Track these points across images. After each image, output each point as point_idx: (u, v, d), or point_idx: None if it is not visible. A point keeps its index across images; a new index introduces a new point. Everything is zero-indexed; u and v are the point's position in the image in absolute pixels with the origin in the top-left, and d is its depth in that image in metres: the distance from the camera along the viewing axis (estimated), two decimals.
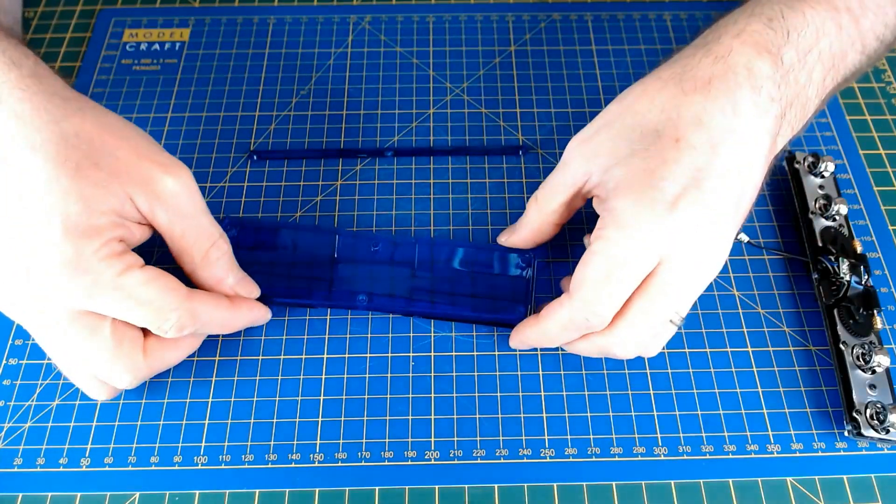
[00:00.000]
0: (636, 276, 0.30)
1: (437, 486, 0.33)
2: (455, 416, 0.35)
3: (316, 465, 0.34)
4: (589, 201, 0.34)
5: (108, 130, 0.30)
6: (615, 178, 0.31)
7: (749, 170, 0.31)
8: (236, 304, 0.34)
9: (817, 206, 0.39)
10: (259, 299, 0.36)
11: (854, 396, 0.34)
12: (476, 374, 0.36)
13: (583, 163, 0.33)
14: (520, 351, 0.37)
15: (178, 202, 0.31)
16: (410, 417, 0.35)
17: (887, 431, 0.33)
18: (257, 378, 0.36)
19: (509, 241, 0.38)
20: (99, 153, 0.29)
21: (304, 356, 0.37)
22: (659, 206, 0.29)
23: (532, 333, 0.34)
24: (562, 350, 0.36)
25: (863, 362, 0.34)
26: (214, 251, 0.33)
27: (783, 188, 0.42)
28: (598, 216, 0.32)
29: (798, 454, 0.34)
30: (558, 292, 0.38)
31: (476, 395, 0.36)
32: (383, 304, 0.37)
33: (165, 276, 0.30)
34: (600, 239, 0.30)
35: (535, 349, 0.36)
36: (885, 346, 0.35)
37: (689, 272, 0.30)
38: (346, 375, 0.36)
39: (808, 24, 0.32)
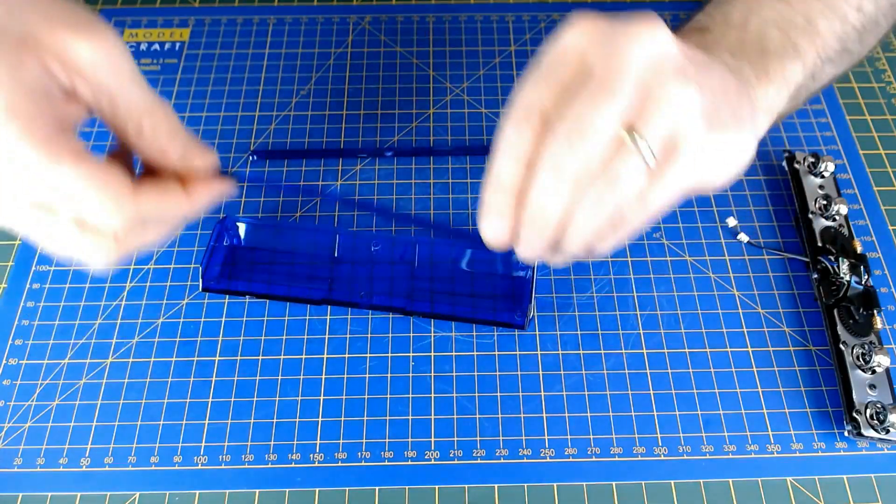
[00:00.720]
0: (556, 73, 0.26)
1: (437, 486, 0.33)
2: (455, 416, 0.35)
3: (316, 465, 0.34)
4: None
5: None
6: None
7: (745, 89, 0.29)
8: (190, 187, 0.29)
9: (817, 206, 0.39)
10: (260, 297, 0.36)
11: (854, 396, 0.34)
12: (476, 374, 0.36)
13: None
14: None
15: (98, 71, 0.26)
16: (410, 417, 0.35)
17: (887, 431, 0.33)
18: (257, 378, 0.36)
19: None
20: (3, 19, 0.25)
21: (304, 356, 0.37)
22: (577, 24, 0.26)
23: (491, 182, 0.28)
24: (562, 349, 0.36)
25: (863, 362, 0.34)
26: (147, 120, 0.28)
27: (783, 188, 0.42)
28: None
29: (798, 454, 0.34)
30: (559, 292, 0.38)
31: (476, 395, 0.36)
32: (383, 302, 0.37)
33: (106, 168, 0.26)
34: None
35: (536, 350, 0.36)
36: (885, 346, 0.35)
37: (608, 52, 0.25)
38: (346, 375, 0.36)
39: (736, 7, 0.33)
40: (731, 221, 0.40)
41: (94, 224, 0.27)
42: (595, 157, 0.25)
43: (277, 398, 0.35)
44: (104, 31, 0.27)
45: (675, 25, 0.36)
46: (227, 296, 0.38)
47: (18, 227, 0.27)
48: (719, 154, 0.26)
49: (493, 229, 0.29)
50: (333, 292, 0.37)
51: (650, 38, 0.25)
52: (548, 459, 0.34)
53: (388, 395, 0.36)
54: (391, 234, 0.40)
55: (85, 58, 0.26)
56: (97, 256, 0.27)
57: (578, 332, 0.37)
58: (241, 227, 0.39)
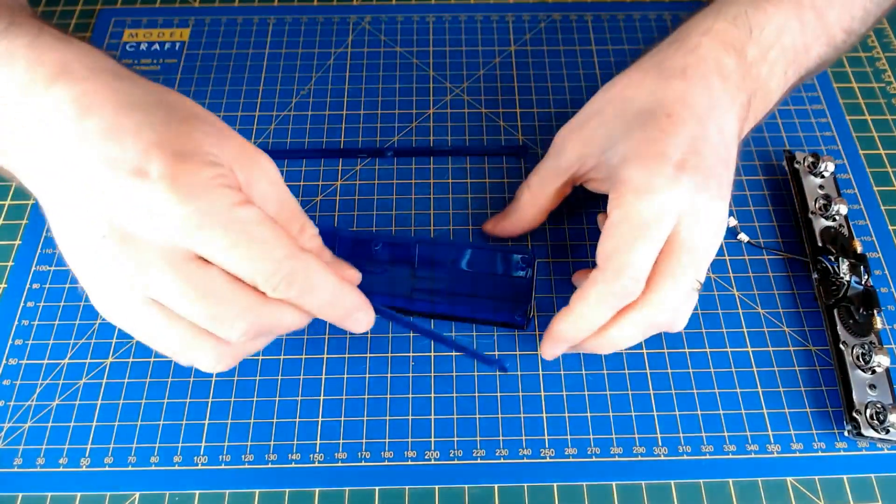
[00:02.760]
0: (660, 236, 0.30)
1: (437, 486, 0.33)
2: (455, 416, 0.35)
3: (316, 465, 0.34)
4: (575, 192, 0.37)
5: (186, 100, 0.29)
6: (619, 154, 0.32)
7: (730, 141, 0.33)
8: (347, 286, 0.30)
9: (817, 206, 0.39)
10: None
11: (854, 396, 0.34)
12: (476, 374, 0.36)
13: (577, 148, 0.34)
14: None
15: (272, 182, 0.28)
16: (410, 417, 0.35)
17: (887, 431, 0.33)
18: (257, 378, 0.36)
19: (498, 228, 0.38)
20: (199, 114, 0.28)
21: (304, 356, 0.37)
22: (668, 170, 0.30)
23: (566, 324, 0.32)
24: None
25: (863, 362, 0.34)
26: (309, 228, 0.30)
27: (783, 188, 0.42)
28: (597, 210, 0.32)
29: (798, 454, 0.34)
30: (559, 292, 0.38)
31: (476, 395, 0.36)
32: (383, 303, 0.37)
33: (279, 226, 0.27)
34: (619, 207, 0.31)
35: (536, 350, 0.36)
36: (885, 346, 0.35)
37: (703, 231, 0.31)
38: (346, 375, 0.36)
39: (771, 20, 0.35)
40: (731, 221, 0.40)
41: (251, 274, 0.26)
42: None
43: (277, 398, 0.35)
44: (267, 161, 0.29)
45: (676, 25, 0.36)
46: None
47: (130, 327, 0.27)
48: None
49: (557, 353, 0.34)
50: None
51: (723, 218, 0.32)
52: (548, 459, 0.34)
53: (388, 396, 0.36)
54: (391, 234, 0.40)
55: (264, 163, 0.28)
56: (207, 362, 0.28)
57: None
58: None
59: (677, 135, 0.31)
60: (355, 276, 0.32)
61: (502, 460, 0.34)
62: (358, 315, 0.30)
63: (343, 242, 0.38)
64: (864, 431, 0.33)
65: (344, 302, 0.29)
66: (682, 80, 0.33)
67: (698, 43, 0.34)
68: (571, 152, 0.35)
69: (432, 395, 0.36)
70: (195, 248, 0.25)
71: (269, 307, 0.27)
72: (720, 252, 0.40)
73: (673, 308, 0.32)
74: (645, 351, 0.37)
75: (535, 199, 0.37)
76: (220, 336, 0.27)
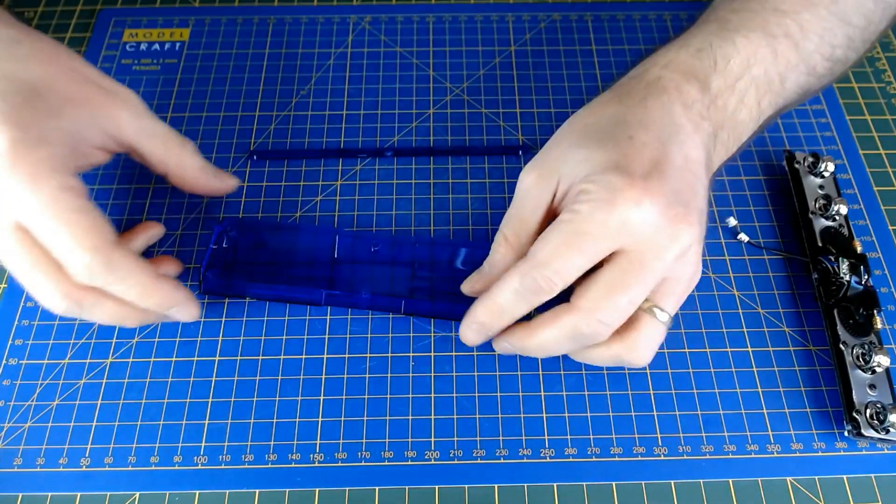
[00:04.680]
0: (597, 251, 0.29)
1: (437, 487, 0.33)
2: (455, 416, 0.35)
3: (316, 465, 0.34)
4: None
5: (56, 59, 0.33)
6: (580, 174, 0.30)
7: (697, 169, 0.31)
8: (161, 280, 0.33)
9: (817, 206, 0.39)
10: (260, 299, 0.36)
11: (854, 396, 0.34)
12: (476, 374, 0.36)
13: (546, 183, 0.32)
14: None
15: (139, 117, 0.34)
16: (410, 417, 0.35)
17: (887, 431, 0.33)
18: (257, 378, 0.36)
19: (476, 290, 0.34)
20: (54, 79, 0.32)
21: (304, 356, 0.37)
22: (628, 188, 0.29)
23: (481, 310, 0.32)
24: None
25: (863, 362, 0.34)
26: (189, 145, 0.37)
27: (783, 188, 0.42)
28: None
29: (798, 454, 0.34)
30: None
31: (476, 395, 0.36)
32: (383, 303, 0.37)
33: (101, 218, 0.31)
34: (570, 212, 0.30)
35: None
36: (885, 346, 0.35)
37: (659, 254, 0.29)
38: (346, 375, 0.36)
39: (739, 51, 0.33)
40: (731, 221, 0.40)
41: (63, 258, 0.30)
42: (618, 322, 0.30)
43: (277, 398, 0.35)
44: (124, 88, 0.35)
45: (676, 26, 0.36)
46: (227, 297, 0.38)
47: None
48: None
49: (475, 339, 0.34)
50: (333, 295, 0.37)
51: (690, 240, 0.30)
52: (548, 459, 0.34)
53: (388, 396, 0.36)
54: (391, 234, 0.40)
55: (128, 110, 0.34)
56: (48, 293, 0.31)
57: None
58: (241, 228, 0.39)
59: (640, 156, 0.30)
60: (174, 269, 0.37)
61: (502, 460, 0.34)
62: (177, 309, 0.34)
63: (343, 242, 0.38)
64: (864, 431, 0.33)
65: (154, 298, 0.32)
66: (642, 108, 0.31)
67: (658, 76, 0.33)
68: (542, 188, 0.32)
69: (432, 395, 0.36)
70: (22, 221, 0.29)
71: (81, 292, 0.31)
72: (720, 252, 0.40)
73: (599, 319, 0.30)
74: None
75: (517, 249, 0.33)
76: (43, 305, 0.31)
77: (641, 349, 0.31)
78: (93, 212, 0.30)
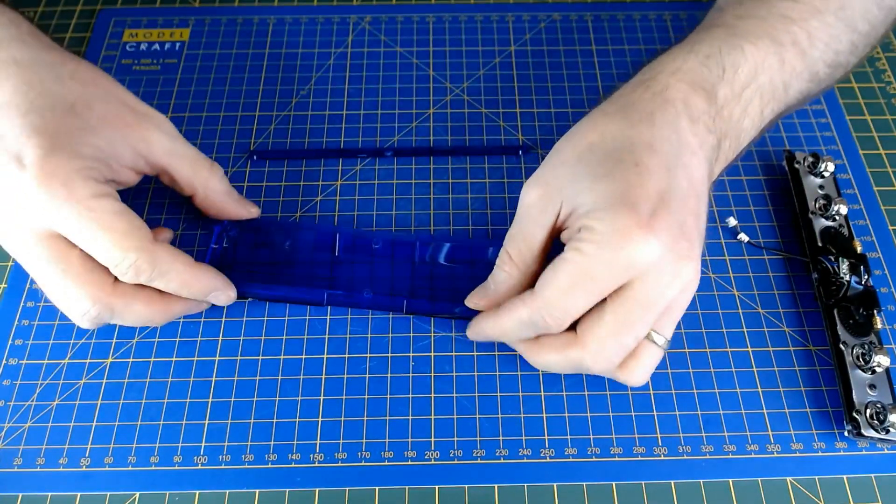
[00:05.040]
0: (603, 290, 0.29)
1: (437, 486, 0.33)
2: (455, 416, 0.35)
3: (316, 465, 0.34)
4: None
5: (96, 79, 0.34)
6: (586, 204, 0.30)
7: (700, 190, 0.31)
8: (199, 267, 0.34)
9: (817, 206, 0.39)
10: (261, 299, 0.36)
11: (854, 396, 0.34)
12: (476, 374, 0.36)
13: (548, 202, 0.31)
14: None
15: (171, 139, 0.35)
16: (410, 417, 0.35)
17: (887, 431, 0.33)
18: (257, 378, 0.36)
19: (480, 306, 0.35)
20: (91, 97, 0.33)
21: (304, 356, 0.37)
22: (634, 226, 0.28)
23: (488, 325, 0.34)
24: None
25: (863, 362, 0.34)
26: (217, 168, 0.37)
27: (783, 188, 0.42)
28: None
29: (798, 454, 0.34)
30: None
31: (476, 395, 0.36)
32: (385, 302, 0.37)
33: (138, 218, 0.32)
34: (576, 251, 0.29)
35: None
36: (885, 346, 0.35)
37: (664, 289, 0.29)
38: (346, 375, 0.36)
39: (747, 60, 0.33)
40: (731, 221, 0.40)
41: (105, 261, 0.31)
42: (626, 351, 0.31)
43: (277, 398, 0.35)
44: (158, 113, 0.36)
45: (676, 26, 0.36)
46: None
47: (25, 257, 0.32)
48: None
49: (476, 339, 0.36)
50: (334, 295, 0.37)
51: (692, 279, 0.30)
52: (548, 459, 0.34)
53: (388, 396, 0.36)
54: (391, 233, 0.40)
55: (161, 132, 0.35)
56: (84, 307, 0.32)
57: None
58: (241, 228, 0.39)
59: (646, 187, 0.29)
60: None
61: (502, 460, 0.34)
62: (216, 294, 0.35)
63: (343, 241, 0.38)
64: (864, 431, 0.33)
65: (196, 285, 0.34)
66: (649, 126, 0.31)
67: (666, 84, 0.32)
68: (546, 206, 0.32)
69: (432, 395, 0.36)
70: (57, 230, 0.30)
71: (111, 297, 0.32)
72: (720, 252, 0.40)
73: (606, 358, 0.31)
74: None
75: (524, 268, 0.33)
76: (72, 315, 0.32)
77: (639, 374, 0.32)
78: (130, 213, 0.31)
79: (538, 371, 0.36)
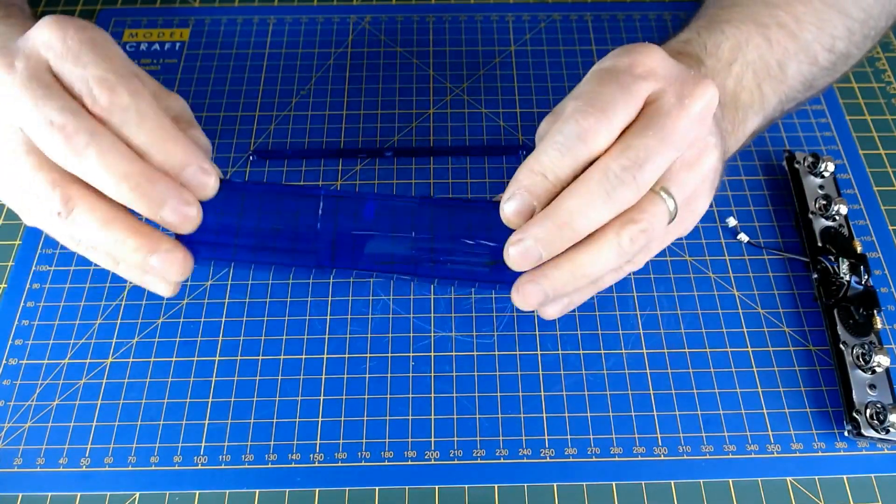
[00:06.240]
0: (641, 92, 0.27)
1: (437, 486, 0.33)
2: (455, 416, 0.35)
3: (316, 465, 0.34)
4: None
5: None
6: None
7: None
8: (174, 127, 0.28)
9: (817, 206, 0.39)
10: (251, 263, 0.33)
11: (854, 396, 0.34)
12: (476, 374, 0.36)
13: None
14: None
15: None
16: (410, 417, 0.35)
17: (887, 431, 0.33)
18: (257, 378, 0.36)
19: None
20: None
21: (303, 356, 0.37)
22: (648, 46, 0.28)
23: (526, 172, 0.28)
24: (563, 349, 0.36)
25: (863, 362, 0.34)
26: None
27: (783, 188, 0.42)
28: None
29: (798, 454, 0.34)
30: None
31: (476, 395, 0.36)
32: (403, 268, 0.32)
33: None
34: (601, 64, 0.28)
35: (536, 350, 0.36)
36: (885, 346, 0.35)
37: (683, 106, 0.27)
38: (346, 375, 0.36)
39: (728, 38, 0.34)
40: (731, 221, 0.40)
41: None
42: (633, 197, 0.27)
43: (277, 398, 0.35)
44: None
45: (676, 26, 0.36)
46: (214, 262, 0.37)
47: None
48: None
49: (516, 208, 0.28)
50: (336, 254, 0.32)
51: (713, 98, 0.28)
52: (548, 459, 0.34)
53: (388, 396, 0.36)
54: (387, 199, 0.33)
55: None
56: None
57: (578, 332, 0.37)
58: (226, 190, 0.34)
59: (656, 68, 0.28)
60: (203, 142, 0.32)
61: (502, 460, 0.34)
62: (195, 175, 0.28)
63: (327, 207, 0.33)
64: (864, 431, 0.33)
65: (172, 147, 0.27)
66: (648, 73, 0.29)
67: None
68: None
69: (432, 395, 0.36)
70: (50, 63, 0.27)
71: (71, 186, 0.27)
72: (720, 252, 0.40)
73: (635, 164, 0.26)
74: (645, 351, 0.37)
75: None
76: (34, 213, 0.29)
77: (639, 239, 0.27)
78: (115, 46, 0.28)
79: (538, 371, 0.36)
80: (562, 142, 0.27)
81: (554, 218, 0.27)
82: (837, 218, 0.39)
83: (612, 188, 0.26)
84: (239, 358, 0.37)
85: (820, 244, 0.38)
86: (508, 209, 0.28)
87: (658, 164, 0.27)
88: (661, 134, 0.27)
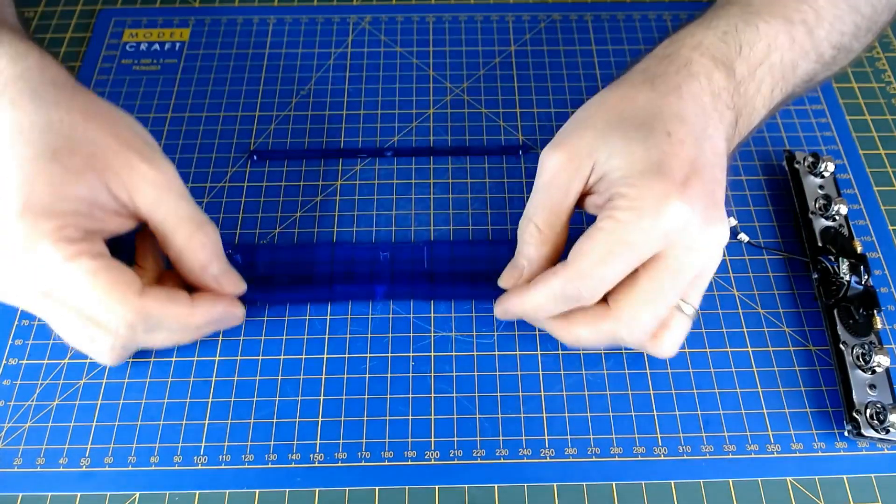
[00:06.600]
0: (640, 258, 0.30)
1: (437, 486, 0.33)
2: (455, 416, 0.35)
3: (316, 465, 0.34)
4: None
5: (93, 118, 0.30)
6: (620, 169, 0.30)
7: (722, 162, 0.32)
8: (197, 300, 0.32)
9: (817, 206, 0.39)
10: (261, 300, 0.36)
11: (854, 396, 0.34)
12: (476, 374, 0.36)
13: (575, 167, 0.31)
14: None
15: (158, 190, 0.31)
16: (410, 417, 0.35)
17: (887, 431, 0.33)
18: (257, 378, 0.36)
19: (513, 286, 0.34)
20: (79, 140, 0.30)
21: (304, 356, 0.37)
22: (671, 193, 0.29)
23: (518, 302, 0.33)
24: (563, 349, 0.36)
25: (863, 362, 0.34)
26: (200, 235, 0.32)
27: (783, 188, 0.42)
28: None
29: (798, 454, 0.34)
30: None
31: (476, 395, 0.36)
32: (402, 290, 0.38)
33: (119, 270, 0.29)
34: (611, 219, 0.29)
35: (536, 350, 0.37)
36: (885, 346, 0.35)
37: (697, 256, 0.30)
38: (346, 375, 0.36)
39: (761, 38, 0.34)
40: (732, 221, 0.40)
41: (98, 319, 0.30)
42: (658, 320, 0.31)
43: (277, 398, 0.35)
44: (163, 157, 0.32)
45: (676, 26, 0.36)
46: None
47: (29, 310, 0.31)
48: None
49: (504, 317, 0.36)
50: (348, 290, 0.38)
51: (724, 241, 0.31)
52: (548, 459, 0.34)
53: (388, 395, 0.36)
54: (392, 241, 0.40)
55: (148, 176, 0.30)
56: (100, 351, 0.31)
57: None
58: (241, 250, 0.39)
59: (679, 156, 0.30)
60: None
61: (502, 460, 0.34)
62: (226, 320, 0.34)
63: (342, 251, 0.39)
64: (864, 431, 0.33)
65: (195, 319, 0.32)
66: (677, 98, 0.31)
67: (689, 59, 0.32)
68: (566, 173, 0.31)
69: (432, 395, 0.36)
70: (43, 291, 0.29)
71: (150, 297, 0.30)
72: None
73: (640, 327, 0.31)
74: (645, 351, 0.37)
75: (552, 238, 0.32)
76: (102, 355, 0.32)
77: (669, 344, 0.32)
78: (108, 269, 0.29)
79: (538, 371, 0.36)
80: (559, 295, 0.31)
81: (555, 335, 0.34)
82: (837, 218, 0.39)
83: (618, 343, 0.33)
84: (239, 358, 0.37)
85: (820, 244, 0.38)
86: (501, 316, 0.35)
87: (662, 313, 0.31)
88: (662, 297, 0.30)
